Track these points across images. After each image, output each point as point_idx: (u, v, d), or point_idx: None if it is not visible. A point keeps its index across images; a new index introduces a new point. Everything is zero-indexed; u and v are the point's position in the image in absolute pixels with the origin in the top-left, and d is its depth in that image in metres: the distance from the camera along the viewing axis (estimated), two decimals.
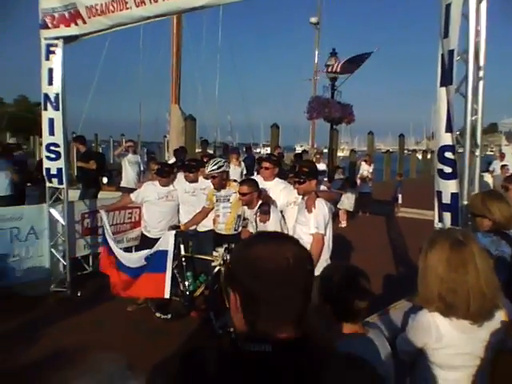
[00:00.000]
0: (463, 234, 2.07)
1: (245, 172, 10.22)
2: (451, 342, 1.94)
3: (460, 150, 3.36)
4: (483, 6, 3.28)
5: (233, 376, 1.10)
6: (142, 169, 10.19)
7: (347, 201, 12.01)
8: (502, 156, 15.98)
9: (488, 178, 13.67)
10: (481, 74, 3.32)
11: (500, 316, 1.99)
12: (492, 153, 24.82)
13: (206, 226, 5.61)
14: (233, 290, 1.18)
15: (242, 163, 10.55)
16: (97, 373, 0.79)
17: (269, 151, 23.24)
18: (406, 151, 34.89)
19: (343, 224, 11.97)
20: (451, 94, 3.22)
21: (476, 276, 1.89)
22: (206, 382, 1.12)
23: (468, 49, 3.21)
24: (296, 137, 36.63)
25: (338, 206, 11.87)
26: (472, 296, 1.88)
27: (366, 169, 13.96)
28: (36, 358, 4.32)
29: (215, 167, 5.17)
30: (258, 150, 40.84)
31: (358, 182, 13.66)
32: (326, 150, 20.33)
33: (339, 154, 33.57)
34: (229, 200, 5.28)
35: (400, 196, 13.95)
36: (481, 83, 3.32)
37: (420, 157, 34.05)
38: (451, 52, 3.18)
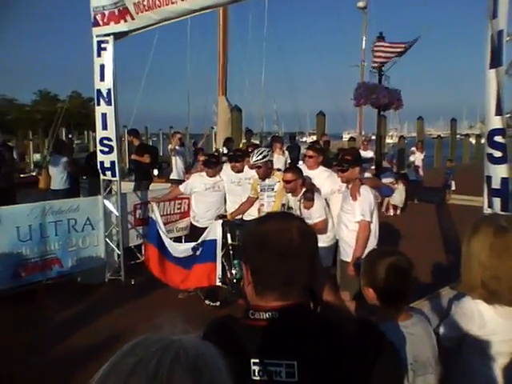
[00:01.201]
0: (507, 219, 2.02)
1: (289, 161, 10.22)
2: (495, 329, 1.92)
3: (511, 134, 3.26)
4: None
5: (246, 341, 1.21)
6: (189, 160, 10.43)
7: (399, 197, 11.78)
8: None
9: None
10: None
11: None
12: None
13: (251, 214, 5.68)
14: (245, 263, 1.32)
15: (286, 152, 10.54)
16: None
17: (315, 139, 23.10)
18: (458, 136, 33.54)
19: (391, 212, 11.78)
20: (501, 75, 3.12)
21: None
22: (223, 347, 1.24)
23: None
24: (343, 124, 36.14)
25: (389, 200, 11.70)
26: None
27: (416, 155, 13.60)
28: (94, 340, 4.57)
29: (260, 157, 5.24)
30: (304, 139, 40.57)
31: (406, 169, 13.34)
32: (374, 137, 19.96)
33: (388, 140, 32.77)
34: (273, 189, 5.34)
35: (453, 182, 13.52)
36: None
37: (474, 141, 32.66)
38: (500, 32, 3.08)
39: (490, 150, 3.25)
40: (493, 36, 3.18)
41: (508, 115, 3.28)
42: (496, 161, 3.22)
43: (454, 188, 13.52)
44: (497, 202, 3.25)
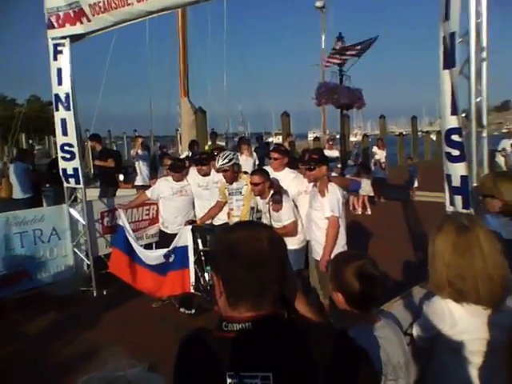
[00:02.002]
0: (469, 218, 2.08)
1: (257, 162, 10.25)
2: (466, 328, 1.94)
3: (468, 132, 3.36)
4: None
5: (220, 354, 1.21)
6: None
7: (368, 187, 12.01)
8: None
9: (499, 157, 13.41)
10: (483, 55, 3.30)
11: None
12: (507, 130, 24.35)
13: (221, 219, 5.68)
14: (216, 274, 1.32)
15: (254, 154, 10.56)
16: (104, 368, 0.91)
17: (281, 140, 23.26)
18: (419, 133, 34.40)
19: (359, 211, 11.97)
20: (454, 76, 3.23)
21: (483, 260, 1.89)
22: (198, 362, 1.26)
23: (469, 31, 3.20)
24: (308, 124, 36.54)
25: (360, 192, 11.90)
26: (480, 281, 1.88)
27: (378, 153, 13.88)
28: (66, 356, 4.48)
29: (226, 161, 5.23)
30: (270, 139, 40.74)
31: (372, 167, 13.59)
32: (338, 136, 20.26)
33: (352, 138, 33.34)
34: (241, 193, 5.34)
35: (416, 180, 13.85)
36: (484, 64, 3.31)
37: (434, 138, 33.58)
38: (452, 35, 3.18)
39: (448, 149, 3.35)
40: (445, 38, 3.28)
41: (463, 114, 3.39)
42: (454, 159, 3.32)
43: (416, 185, 13.82)
44: (458, 199, 3.35)
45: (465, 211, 3.24)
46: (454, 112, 3.28)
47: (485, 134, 3.39)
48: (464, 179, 3.29)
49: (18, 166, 9.43)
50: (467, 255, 1.91)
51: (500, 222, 2.72)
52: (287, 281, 1.33)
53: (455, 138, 3.29)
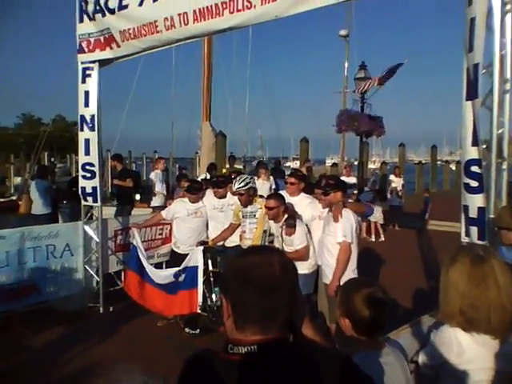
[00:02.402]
0: (484, 249, 2.09)
1: (274, 186, 10.24)
2: (473, 357, 1.94)
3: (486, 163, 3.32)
4: (508, 18, 3.23)
5: (225, 377, 1.20)
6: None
7: (378, 214, 11.91)
8: None
9: None
10: (507, 86, 3.27)
11: None
12: None
13: (233, 241, 5.68)
14: (225, 296, 1.31)
15: (271, 178, 10.58)
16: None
17: (298, 165, 23.32)
18: (439, 162, 34.16)
19: (373, 238, 11.86)
20: (477, 107, 3.19)
21: (497, 291, 1.90)
22: (201, 383, 1.24)
23: (493, 62, 3.19)
24: (326, 149, 36.66)
25: (370, 219, 11.80)
26: (493, 311, 1.89)
27: (395, 181, 13.79)
28: (70, 371, 4.47)
29: (242, 184, 5.26)
30: (287, 164, 40.98)
31: (389, 195, 13.49)
32: (356, 163, 20.22)
33: (370, 165, 33.27)
34: (255, 216, 5.35)
35: (428, 211, 13.72)
36: (507, 96, 3.28)
37: (454, 168, 33.28)
38: (476, 66, 3.16)
39: (467, 180, 3.30)
40: (469, 69, 3.26)
41: (484, 146, 3.35)
42: (472, 190, 3.26)
43: (426, 217, 13.67)
44: (474, 230, 3.29)
45: (480, 243, 3.19)
46: (475, 143, 3.24)
47: (505, 166, 3.35)
48: (481, 211, 3.23)
49: (38, 183, 9.62)
50: (482, 286, 1.92)
51: None
52: (296, 305, 1.32)
53: (475, 169, 3.24)
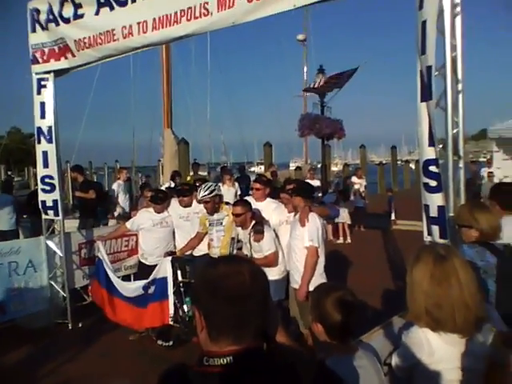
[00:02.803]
0: (445, 248, 2.13)
1: (239, 192, 10.26)
2: (443, 357, 1.97)
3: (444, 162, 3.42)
4: (458, 20, 3.33)
5: None
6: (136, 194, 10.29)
7: (345, 214, 12.09)
8: (489, 162, 16.01)
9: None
10: (459, 87, 3.37)
11: (488, 328, 2.02)
12: (484, 159, 24.94)
13: (201, 250, 5.64)
14: (197, 308, 1.30)
15: (236, 184, 10.60)
16: None
17: (263, 169, 23.44)
18: (399, 162, 34.99)
19: (341, 240, 12.02)
20: (431, 108, 3.29)
21: (459, 289, 1.93)
22: None
23: (445, 64, 3.29)
24: (290, 153, 37.01)
25: (337, 221, 11.97)
26: (457, 309, 1.92)
27: (357, 182, 14.03)
28: None
29: (207, 192, 5.23)
30: (252, 169, 41.11)
31: (352, 196, 13.71)
32: (319, 166, 20.47)
33: (333, 168, 33.81)
34: (222, 223, 5.32)
35: (393, 211, 13.98)
36: (460, 96, 3.38)
37: (413, 167, 34.18)
38: (429, 68, 3.25)
39: (426, 180, 3.39)
40: (422, 71, 3.36)
41: (441, 145, 3.45)
42: (432, 190, 3.35)
43: (393, 217, 13.96)
44: (435, 229, 3.37)
45: (442, 241, 3.26)
46: (431, 143, 3.33)
47: (461, 165, 3.44)
48: (441, 209, 3.31)
49: (3, 198, 9.34)
50: (445, 284, 1.95)
51: (475, 251, 2.76)
52: (269, 313, 1.33)
53: (432, 168, 3.33)
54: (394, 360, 2.18)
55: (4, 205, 9.14)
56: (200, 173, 14.52)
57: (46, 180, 6.06)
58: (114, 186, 9.99)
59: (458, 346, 1.96)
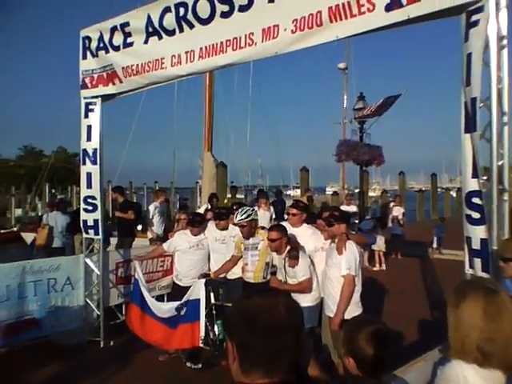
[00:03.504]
0: (491, 282, 2.08)
1: (274, 216, 10.24)
2: None
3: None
4: (505, 52, 3.30)
5: None
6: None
7: (381, 242, 11.91)
8: None
9: None
10: (505, 119, 3.32)
11: None
12: None
13: (235, 273, 5.64)
14: (230, 339, 1.30)
15: (271, 208, 10.58)
16: None
17: (299, 193, 23.37)
18: (439, 189, 34.26)
19: (377, 267, 11.80)
20: (476, 140, 3.23)
21: (511, 324, 1.88)
22: None
23: (491, 96, 3.24)
24: (327, 177, 36.89)
25: (373, 248, 11.79)
26: (510, 344, 1.87)
27: (395, 210, 13.80)
28: None
29: (244, 216, 5.25)
30: (288, 192, 41.12)
31: (390, 223, 13.48)
32: (357, 191, 20.28)
33: (371, 193, 33.33)
34: (257, 248, 5.32)
35: (435, 239, 13.72)
36: (505, 128, 3.32)
37: (454, 195, 33.32)
38: (474, 100, 3.21)
39: (469, 212, 3.32)
40: (466, 102, 3.32)
41: (485, 177, 3.37)
42: (474, 222, 3.27)
43: (435, 245, 13.67)
44: (477, 262, 3.28)
45: (484, 274, 3.19)
46: (475, 175, 3.27)
47: (506, 197, 3.35)
48: (484, 242, 3.23)
49: (59, 216, 9.82)
50: (497, 319, 1.90)
51: None
52: (302, 347, 1.31)
53: (476, 200, 3.26)
54: None
55: (60, 223, 9.54)
56: (237, 196, 14.65)
57: (89, 200, 6.23)
58: (150, 207, 10.19)
59: (496, 382, 1.89)
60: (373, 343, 1.89)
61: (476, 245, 3.29)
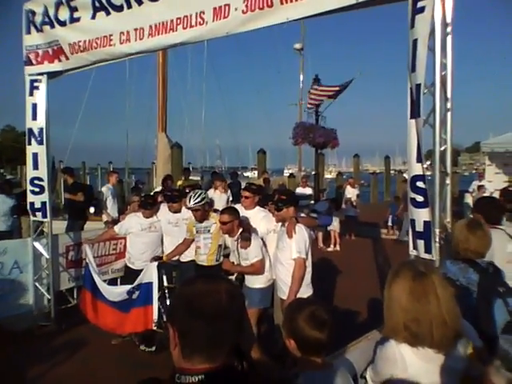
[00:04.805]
0: (425, 264, 2.15)
1: (231, 199, 10.21)
2: (417, 372, 1.97)
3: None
4: (449, 39, 3.37)
5: None
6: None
7: (336, 223, 12.15)
8: (481, 176, 16.12)
9: (469, 198, 13.82)
10: (448, 105, 3.42)
11: (463, 343, 2.04)
12: (476, 171, 25.13)
13: (188, 256, 5.62)
14: (172, 326, 1.30)
15: (229, 190, 10.53)
16: None
17: (256, 174, 23.46)
18: (392, 172, 35.16)
19: (331, 248, 12.07)
20: (420, 125, 3.32)
21: (437, 305, 1.95)
22: None
23: (435, 82, 3.32)
24: (284, 159, 37.14)
25: (329, 229, 12.02)
26: (435, 325, 1.94)
27: (350, 192, 14.08)
28: None
29: (198, 200, 5.22)
30: (247, 174, 41.18)
31: (344, 205, 13.76)
32: (313, 173, 20.55)
33: (327, 175, 33.90)
34: (209, 231, 5.32)
35: (390, 218, 14.13)
36: (449, 114, 3.43)
37: (407, 176, 34.24)
38: (418, 86, 3.27)
39: (413, 195, 3.42)
40: (412, 88, 3.39)
41: (428, 162, 3.48)
42: (418, 205, 3.38)
43: (390, 224, 14.09)
44: (421, 244, 3.40)
45: (427, 256, 3.30)
46: (419, 160, 3.35)
47: (448, 181, 3.48)
48: (427, 224, 3.34)
49: (3, 199, 9.31)
50: (423, 300, 1.97)
51: (458, 268, 2.80)
52: (244, 332, 1.33)
53: (420, 184, 3.36)
54: (369, 374, 2.19)
55: (3, 206, 9.11)
56: (193, 177, 14.50)
57: (36, 182, 6.03)
58: (103, 190, 9.94)
59: (433, 361, 1.97)
60: (311, 324, 1.93)
61: (419, 227, 3.39)
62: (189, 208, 5.34)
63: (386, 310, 2.08)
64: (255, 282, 4.87)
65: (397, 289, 2.03)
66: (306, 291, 4.49)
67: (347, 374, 2.05)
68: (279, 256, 4.62)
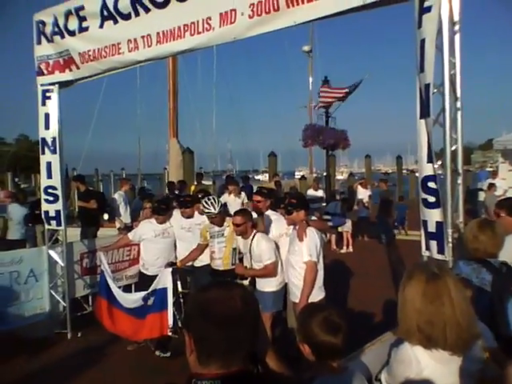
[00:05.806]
0: (439, 266, 2.14)
1: (246, 201, 10.21)
2: (432, 374, 1.96)
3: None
4: (457, 38, 3.35)
5: None
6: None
7: (348, 224, 12.12)
8: (495, 173, 15.92)
9: (482, 196, 13.66)
10: (458, 104, 3.40)
11: (478, 345, 2.02)
12: (491, 169, 24.83)
13: (202, 260, 5.65)
14: (187, 332, 1.33)
15: (243, 193, 10.54)
16: None
17: (267, 177, 23.46)
18: (404, 171, 34.90)
19: (344, 250, 12.02)
20: (430, 125, 3.30)
21: (451, 307, 1.93)
22: None
23: (444, 81, 3.30)
24: (295, 162, 37.16)
25: (341, 230, 11.98)
26: (448, 327, 1.92)
27: (361, 193, 14.01)
28: None
29: (218, 208, 5.19)
30: (258, 177, 41.23)
31: (356, 206, 13.70)
32: (325, 174, 20.52)
33: (339, 177, 33.78)
34: (223, 235, 5.33)
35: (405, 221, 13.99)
36: (459, 113, 3.41)
37: (418, 177, 33.94)
38: (427, 86, 3.25)
39: (424, 196, 3.40)
40: (421, 88, 3.38)
41: (439, 162, 3.45)
42: (430, 205, 3.36)
43: (405, 225, 13.98)
44: (433, 244, 3.38)
45: (439, 256, 3.28)
46: (430, 160, 3.34)
47: (460, 181, 3.45)
48: (439, 225, 3.32)
49: (16, 208, 9.49)
50: (437, 302, 1.95)
51: (471, 268, 2.78)
52: (258, 337, 1.34)
53: (431, 184, 3.34)
54: (384, 377, 2.18)
55: (16, 214, 9.25)
56: (205, 182, 14.57)
57: (49, 190, 6.08)
58: (116, 196, 10.02)
59: (448, 363, 1.96)
60: (325, 329, 1.93)
61: (432, 228, 3.38)
62: (209, 217, 5.31)
63: (399, 312, 2.07)
64: (267, 285, 4.88)
65: (410, 291, 2.02)
66: (318, 294, 4.49)
67: (363, 378, 2.04)
68: (291, 259, 4.63)
